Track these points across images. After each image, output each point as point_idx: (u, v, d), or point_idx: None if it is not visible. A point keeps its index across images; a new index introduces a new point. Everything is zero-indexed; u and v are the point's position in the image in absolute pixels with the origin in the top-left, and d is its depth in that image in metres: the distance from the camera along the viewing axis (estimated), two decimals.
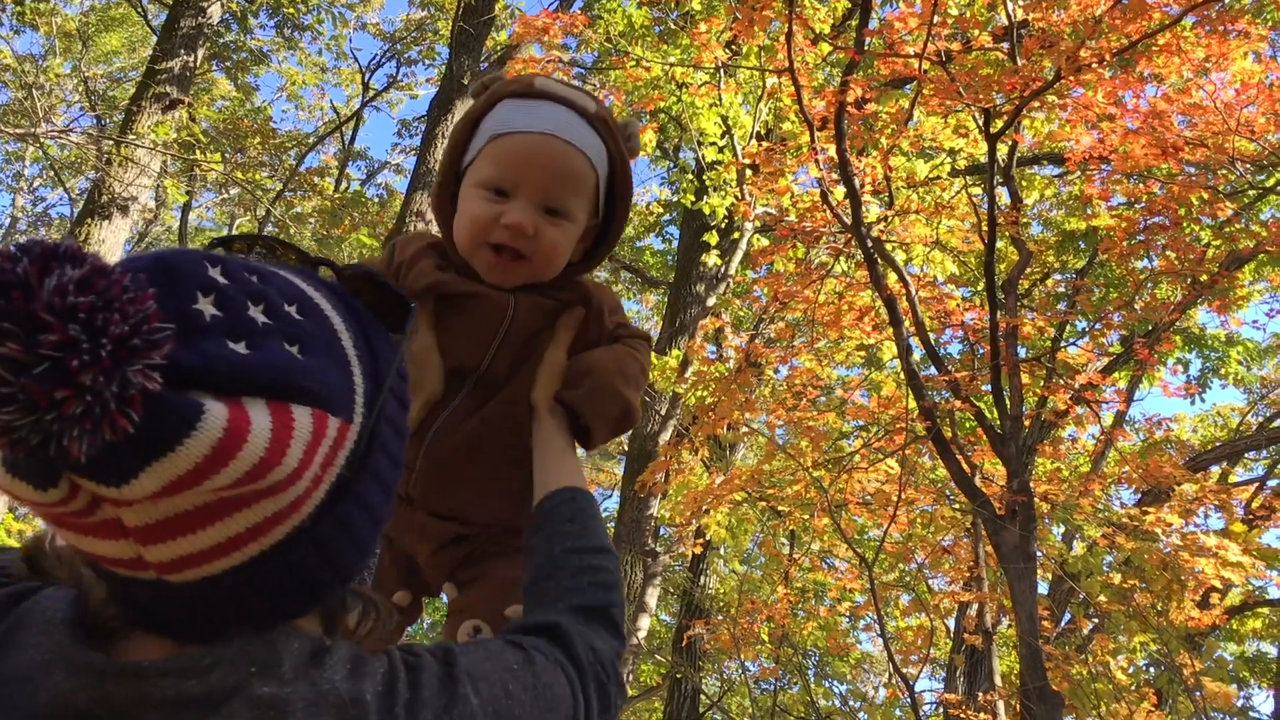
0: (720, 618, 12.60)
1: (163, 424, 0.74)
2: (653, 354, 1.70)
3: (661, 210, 16.67)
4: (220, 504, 0.81)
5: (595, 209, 1.63)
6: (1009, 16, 6.74)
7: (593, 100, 1.61)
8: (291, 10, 15.32)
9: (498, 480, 1.61)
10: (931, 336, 7.75)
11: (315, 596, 0.93)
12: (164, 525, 0.80)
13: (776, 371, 10.90)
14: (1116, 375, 10.54)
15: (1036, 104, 7.07)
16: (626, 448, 13.34)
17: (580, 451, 1.59)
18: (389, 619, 1.05)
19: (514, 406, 1.58)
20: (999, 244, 7.57)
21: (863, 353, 11.06)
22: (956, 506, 9.36)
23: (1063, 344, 10.15)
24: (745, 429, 10.78)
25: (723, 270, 11.75)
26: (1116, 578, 8.20)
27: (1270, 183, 8.83)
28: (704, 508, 9.94)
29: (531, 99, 1.59)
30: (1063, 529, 11.41)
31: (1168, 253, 8.31)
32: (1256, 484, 11.90)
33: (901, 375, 7.91)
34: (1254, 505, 9.91)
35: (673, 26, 11.41)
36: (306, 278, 0.96)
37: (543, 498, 1.43)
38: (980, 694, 9.21)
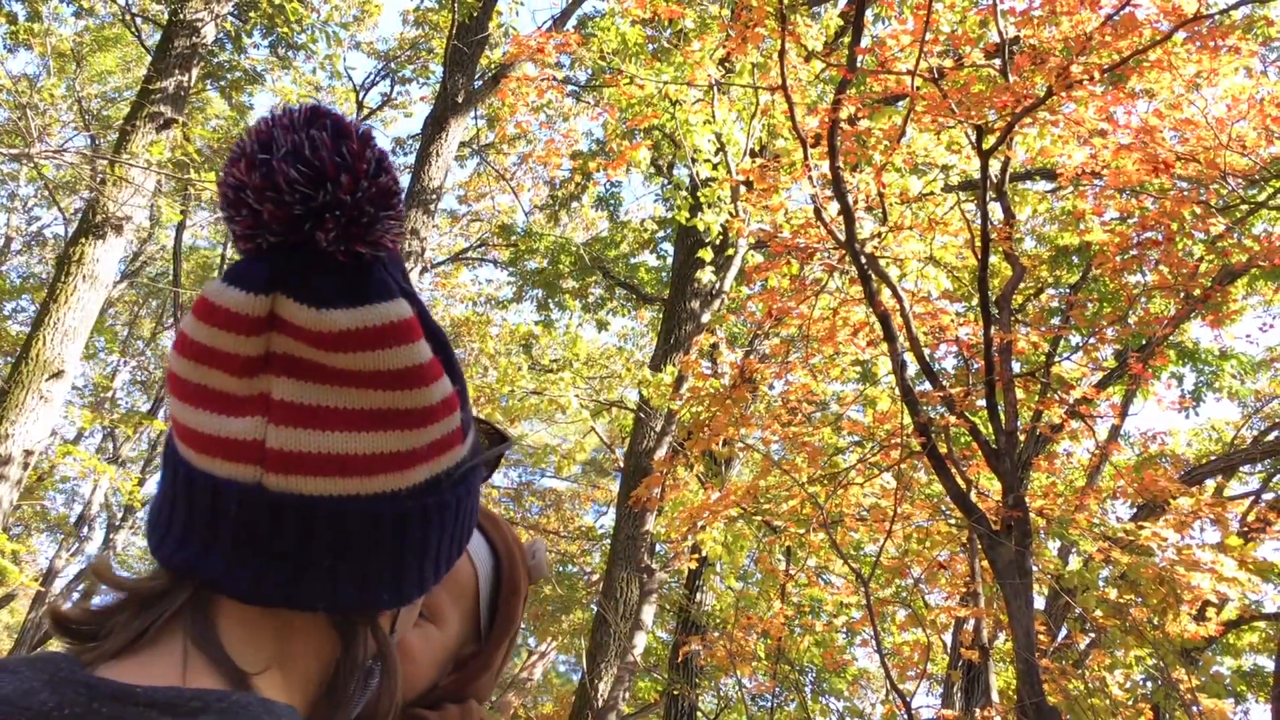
0: (717, 634, 12.58)
1: (371, 279, 0.85)
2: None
3: (656, 227, 16.71)
4: (359, 414, 0.87)
5: (476, 626, 1.37)
6: (1000, 33, 6.77)
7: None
8: (285, 30, 15.34)
9: None
10: (926, 352, 7.76)
11: (365, 594, 0.92)
12: (305, 410, 0.86)
13: (771, 387, 10.92)
14: (1111, 389, 10.56)
15: (1028, 120, 7.10)
16: (622, 464, 13.33)
17: None
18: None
19: None
20: (992, 259, 7.59)
21: (857, 368, 11.08)
22: (952, 522, 9.36)
23: (1057, 359, 10.16)
24: (740, 445, 10.78)
25: (717, 286, 11.78)
26: (1112, 592, 8.19)
27: (1262, 197, 8.86)
28: (699, 524, 9.93)
29: None
30: (1059, 543, 11.41)
31: (1161, 267, 8.33)
32: (1252, 497, 11.92)
33: (896, 391, 7.91)
34: (1249, 518, 9.91)
35: (666, 44, 11.46)
36: None
37: None
38: (978, 710, 9.19)
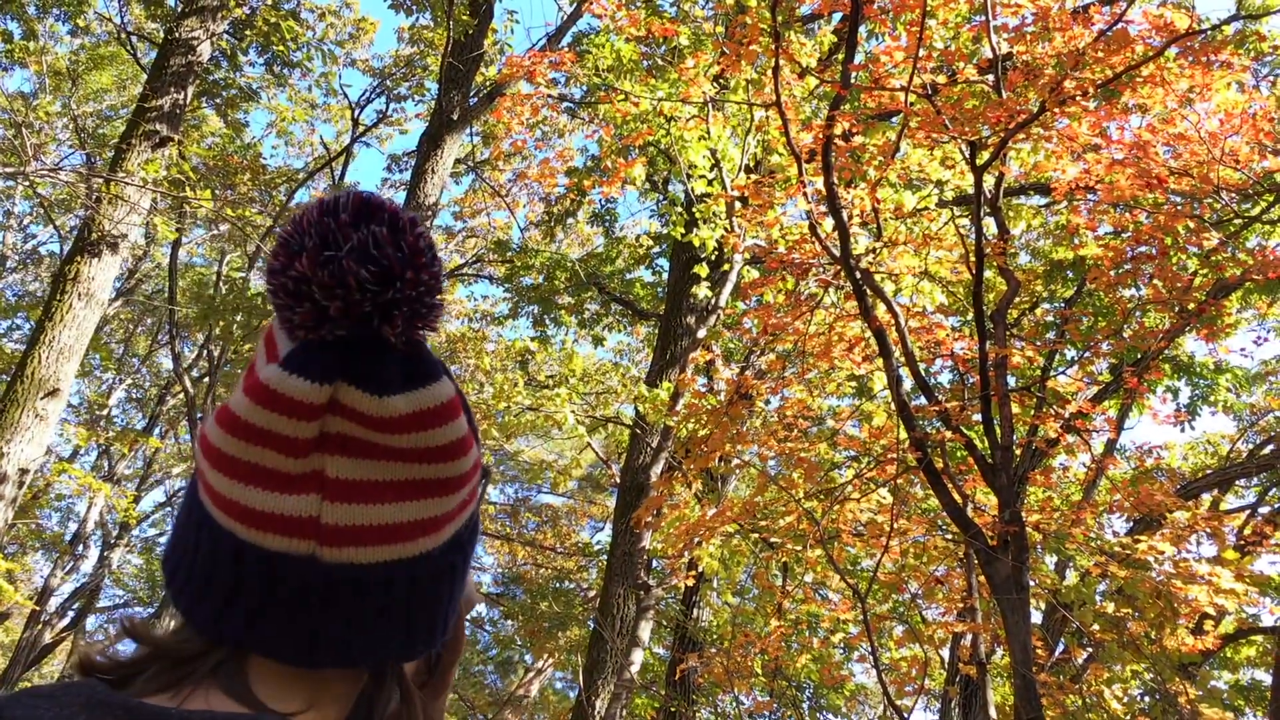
0: (714, 650, 12.55)
1: (423, 362, 0.90)
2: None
3: (651, 243, 16.72)
4: (406, 484, 0.91)
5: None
6: (993, 50, 6.80)
7: None
8: (281, 48, 15.38)
9: None
10: (921, 367, 7.76)
11: (407, 648, 0.96)
12: (357, 486, 0.89)
13: (767, 403, 10.92)
14: (1106, 403, 10.58)
15: (1022, 135, 7.12)
16: (618, 480, 13.31)
17: None
18: None
19: None
20: (987, 274, 7.60)
21: (853, 383, 11.08)
22: (949, 537, 9.35)
23: (1052, 373, 10.18)
24: (737, 461, 10.78)
25: (713, 302, 11.79)
26: (1110, 607, 8.19)
27: (1255, 211, 8.89)
28: (696, 540, 9.92)
29: None
30: (1055, 558, 11.41)
31: (1155, 281, 8.35)
32: (1248, 511, 11.94)
33: (892, 405, 7.92)
34: (1246, 532, 9.92)
35: (660, 61, 11.49)
36: None
37: None
38: None
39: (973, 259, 6.89)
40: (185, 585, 0.94)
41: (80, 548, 22.13)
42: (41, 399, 9.01)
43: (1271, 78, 11.62)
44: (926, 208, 9.16)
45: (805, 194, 7.69)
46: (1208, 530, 8.23)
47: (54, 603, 21.33)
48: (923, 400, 7.72)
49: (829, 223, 7.46)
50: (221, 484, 0.90)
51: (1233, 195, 8.01)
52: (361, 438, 0.89)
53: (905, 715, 8.41)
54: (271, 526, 0.89)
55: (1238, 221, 8.80)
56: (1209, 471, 13.19)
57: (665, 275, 16.08)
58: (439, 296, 0.89)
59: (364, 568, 0.90)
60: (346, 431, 0.89)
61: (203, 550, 0.92)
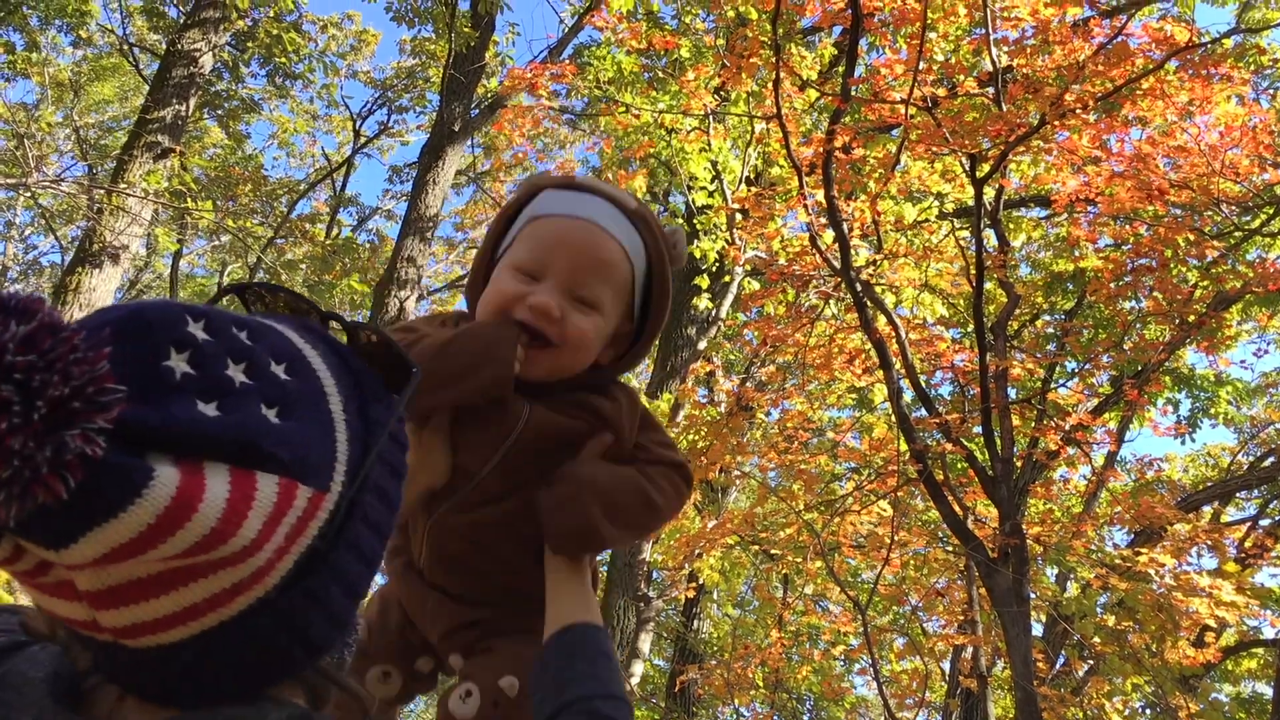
0: (714, 662, 12.53)
1: (105, 488, 0.70)
2: (683, 486, 1.64)
3: None
4: (174, 573, 0.77)
5: (630, 309, 1.59)
6: (994, 63, 6.82)
7: (634, 199, 1.58)
8: (283, 59, 15.42)
9: (502, 570, 1.55)
10: (922, 379, 7.76)
11: (282, 669, 0.88)
12: (115, 592, 0.77)
13: (768, 414, 10.92)
14: (1107, 416, 10.56)
15: (1022, 148, 7.13)
16: None
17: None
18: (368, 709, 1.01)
19: (516, 512, 1.49)
20: (987, 286, 7.61)
21: (854, 395, 11.08)
22: (950, 549, 9.34)
23: (1053, 385, 10.17)
24: (737, 472, 10.77)
25: (714, 314, 11.79)
26: (1110, 619, 8.18)
27: (1255, 224, 8.90)
28: (696, 551, 9.91)
29: (572, 190, 1.56)
30: (1056, 570, 11.39)
31: (1155, 294, 8.35)
32: (1249, 523, 11.91)
33: (892, 417, 7.91)
34: (1246, 544, 9.91)
35: (661, 74, 11.52)
36: (306, 332, 0.93)
37: (553, 633, 1.37)
38: None
39: (973, 271, 6.90)
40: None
41: None
42: None
43: (1272, 91, 11.64)
44: (927, 220, 9.17)
45: (806, 206, 7.70)
46: (1208, 543, 8.22)
47: None
48: (923, 412, 7.73)
49: (829, 235, 7.47)
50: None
51: (1233, 208, 8.02)
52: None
53: None
54: (66, 623, 0.82)
55: (1238, 234, 8.81)
56: (1210, 484, 13.18)
57: None
58: (74, 426, 0.67)
59: (173, 644, 0.81)
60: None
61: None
